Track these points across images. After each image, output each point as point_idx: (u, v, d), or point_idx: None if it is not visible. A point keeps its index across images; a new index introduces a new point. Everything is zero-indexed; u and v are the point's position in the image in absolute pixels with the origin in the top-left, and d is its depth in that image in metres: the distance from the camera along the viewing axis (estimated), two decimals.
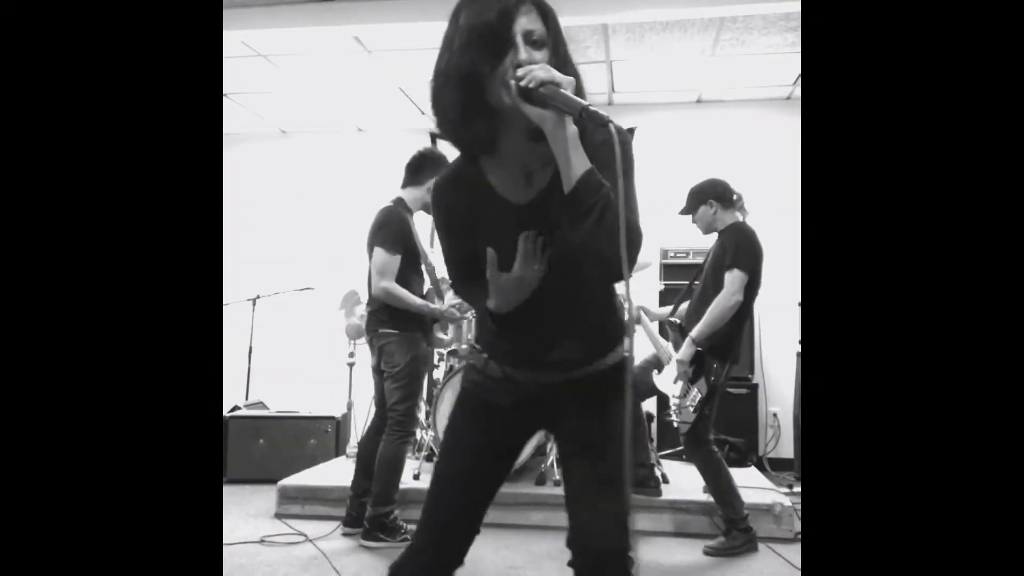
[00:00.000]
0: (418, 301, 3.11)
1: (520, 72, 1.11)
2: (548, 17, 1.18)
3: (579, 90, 1.13)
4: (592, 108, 1.06)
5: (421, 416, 4.33)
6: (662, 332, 3.43)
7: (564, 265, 1.23)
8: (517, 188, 1.25)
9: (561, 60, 1.17)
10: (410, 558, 1.41)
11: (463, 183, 1.27)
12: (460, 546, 1.40)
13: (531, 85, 1.09)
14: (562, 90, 1.08)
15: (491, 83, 1.13)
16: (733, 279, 3.03)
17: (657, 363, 3.33)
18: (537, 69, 1.10)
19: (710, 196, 3.24)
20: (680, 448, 4.57)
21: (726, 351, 3.10)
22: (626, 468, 1.26)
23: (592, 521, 1.28)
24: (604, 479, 1.29)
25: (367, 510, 3.16)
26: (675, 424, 3.20)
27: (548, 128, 1.11)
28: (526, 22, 1.14)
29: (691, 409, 3.09)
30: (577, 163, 1.12)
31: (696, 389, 3.09)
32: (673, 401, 3.16)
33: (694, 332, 3.07)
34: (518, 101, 1.11)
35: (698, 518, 3.44)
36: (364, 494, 3.24)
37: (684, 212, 3.35)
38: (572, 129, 1.12)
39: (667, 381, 3.22)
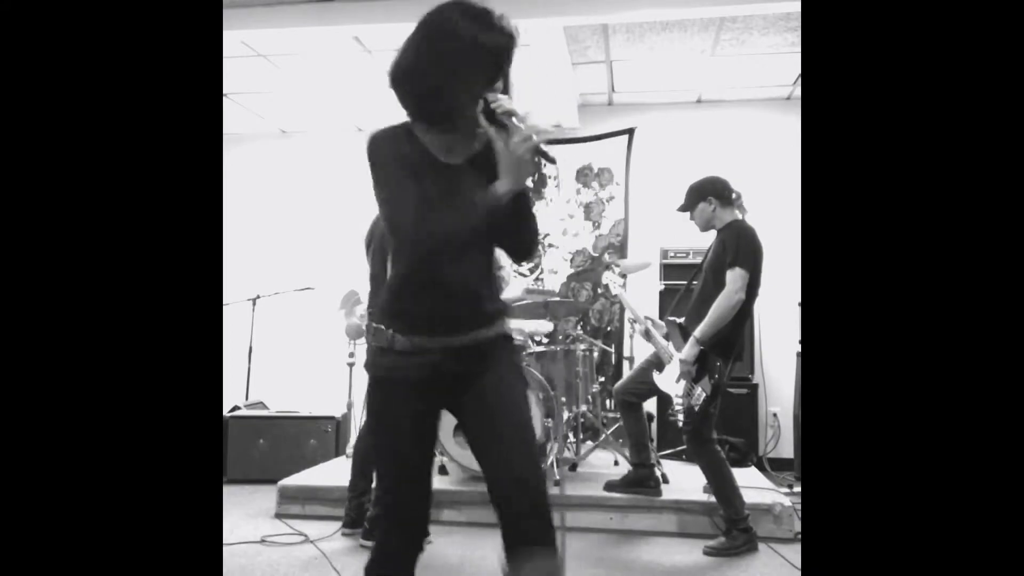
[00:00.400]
0: None
1: (490, 97, 1.42)
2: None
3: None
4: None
5: None
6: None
7: (474, 234, 1.47)
8: (442, 154, 1.53)
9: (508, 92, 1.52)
10: (380, 551, 1.56)
11: (401, 137, 1.51)
12: (422, 521, 1.57)
13: (499, 111, 1.41)
14: (516, 120, 1.40)
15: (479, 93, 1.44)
16: (735, 277, 3.02)
17: (658, 363, 3.32)
18: (504, 100, 1.43)
19: (709, 193, 3.23)
20: (681, 448, 4.58)
21: (729, 349, 3.09)
22: (532, 426, 1.51)
23: (513, 471, 1.44)
24: (516, 432, 1.48)
25: (368, 510, 3.16)
26: (680, 424, 3.20)
27: (499, 144, 1.42)
28: None
29: (696, 408, 3.09)
30: (520, 177, 1.43)
31: (700, 388, 3.09)
32: (677, 401, 3.16)
33: (697, 332, 3.06)
34: (480, 117, 1.42)
35: (698, 518, 3.44)
36: (362, 494, 3.24)
37: (682, 209, 3.34)
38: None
39: (669, 381, 3.22)
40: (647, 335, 3.38)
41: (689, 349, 3.09)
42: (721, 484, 3.14)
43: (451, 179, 1.50)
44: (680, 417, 3.16)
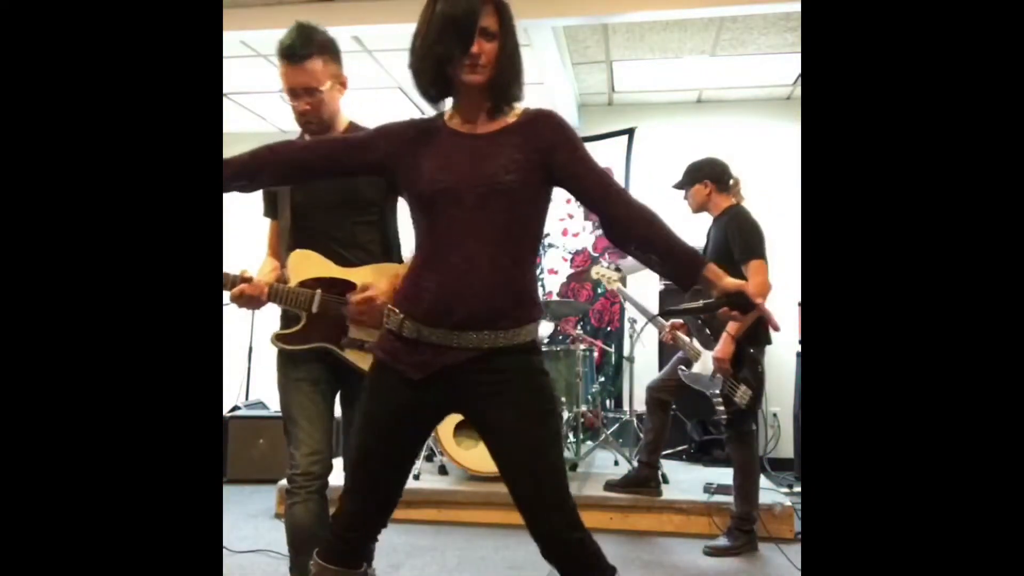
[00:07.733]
0: None
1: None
2: (503, 15, 1.48)
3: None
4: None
5: None
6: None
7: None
8: (467, 127, 1.56)
9: (509, 51, 1.49)
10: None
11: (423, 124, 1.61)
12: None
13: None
14: None
15: (454, 64, 1.46)
16: (758, 268, 2.93)
17: (686, 361, 3.25)
18: None
19: (706, 176, 3.18)
20: (680, 448, 4.59)
21: (759, 335, 2.99)
22: None
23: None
24: None
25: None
26: (723, 423, 3.08)
27: None
28: (484, 20, 1.44)
29: (743, 406, 2.98)
30: None
31: (743, 385, 2.98)
32: (716, 400, 3.05)
33: (730, 327, 2.92)
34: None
35: (698, 518, 3.44)
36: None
37: (678, 187, 3.29)
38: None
39: (698, 377, 3.14)
40: (633, 304, 3.35)
41: (725, 346, 2.97)
42: (745, 481, 3.09)
43: (471, 145, 1.52)
44: (722, 417, 3.05)
